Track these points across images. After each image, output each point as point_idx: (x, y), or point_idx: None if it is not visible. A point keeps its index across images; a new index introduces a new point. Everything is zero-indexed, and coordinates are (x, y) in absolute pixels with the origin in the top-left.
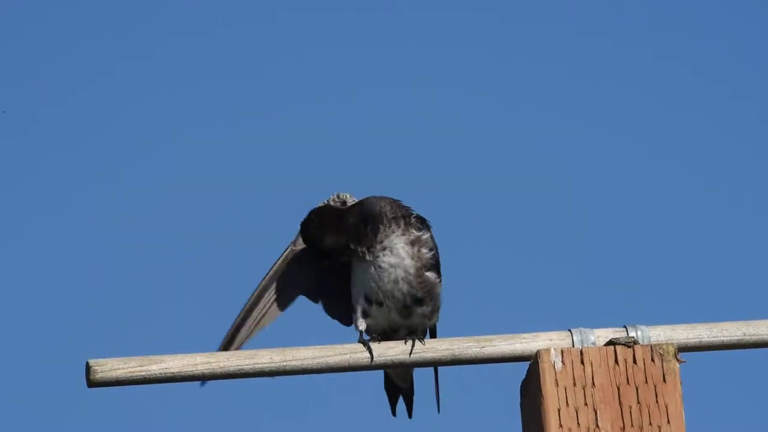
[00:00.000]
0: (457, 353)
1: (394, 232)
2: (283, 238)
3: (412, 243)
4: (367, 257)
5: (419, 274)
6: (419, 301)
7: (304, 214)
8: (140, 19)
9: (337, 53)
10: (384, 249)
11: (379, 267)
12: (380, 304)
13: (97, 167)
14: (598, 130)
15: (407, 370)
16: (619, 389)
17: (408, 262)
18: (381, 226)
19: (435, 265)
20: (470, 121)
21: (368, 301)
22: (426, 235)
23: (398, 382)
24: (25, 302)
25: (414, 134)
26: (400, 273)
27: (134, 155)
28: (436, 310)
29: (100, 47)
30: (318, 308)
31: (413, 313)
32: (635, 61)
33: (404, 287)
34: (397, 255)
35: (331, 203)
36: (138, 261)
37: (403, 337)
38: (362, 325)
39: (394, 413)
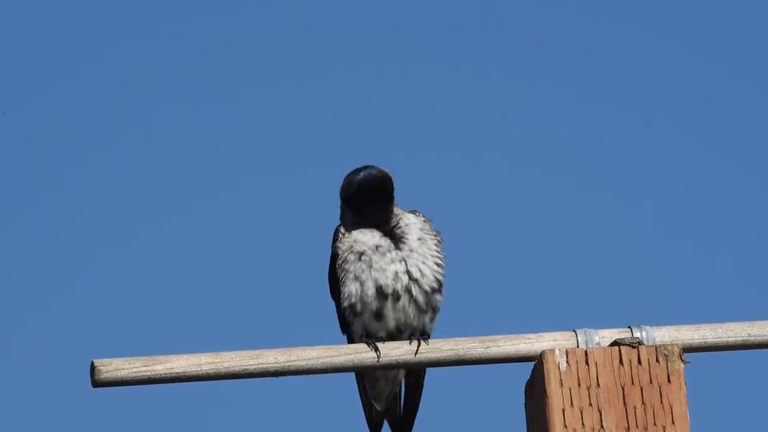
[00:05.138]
0: (461, 353)
1: (406, 216)
2: (284, 235)
3: (425, 231)
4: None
5: (438, 263)
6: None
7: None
8: (130, 10)
9: (336, 50)
10: (404, 228)
11: (407, 247)
12: (398, 298)
13: (100, 165)
14: (599, 126)
15: (387, 386)
16: (623, 390)
17: (431, 246)
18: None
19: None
20: (472, 119)
21: (383, 295)
22: (433, 226)
23: (376, 404)
24: (30, 301)
25: (415, 129)
26: (426, 258)
27: (128, 147)
28: (437, 312)
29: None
30: (323, 308)
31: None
32: (642, 55)
33: (430, 274)
34: (417, 238)
35: None
36: (141, 261)
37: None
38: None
39: None
